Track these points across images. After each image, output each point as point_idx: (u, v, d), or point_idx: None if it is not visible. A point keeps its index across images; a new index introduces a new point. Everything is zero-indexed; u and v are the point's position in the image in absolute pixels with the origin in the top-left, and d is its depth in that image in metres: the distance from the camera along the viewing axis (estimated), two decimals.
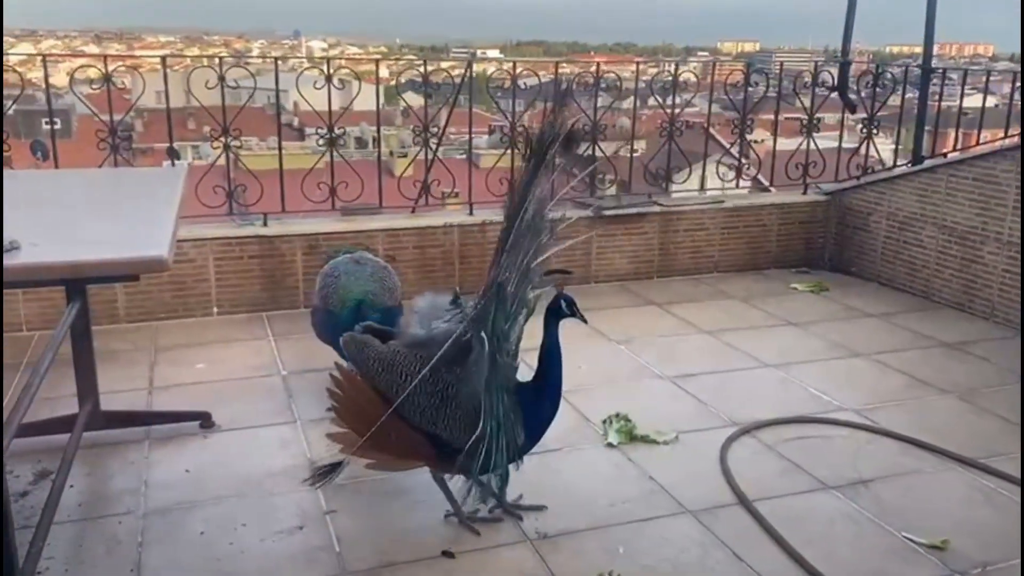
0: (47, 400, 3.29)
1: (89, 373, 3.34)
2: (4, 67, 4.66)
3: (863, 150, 5.93)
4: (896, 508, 2.96)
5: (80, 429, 3.13)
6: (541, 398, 2.71)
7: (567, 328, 2.69)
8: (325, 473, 2.65)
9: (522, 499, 2.90)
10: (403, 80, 5.13)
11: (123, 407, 3.52)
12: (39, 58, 4.82)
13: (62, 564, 2.58)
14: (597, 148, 5.18)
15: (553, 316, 2.68)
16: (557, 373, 2.70)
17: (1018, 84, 5.07)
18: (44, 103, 4.68)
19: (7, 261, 1.96)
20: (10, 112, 4.74)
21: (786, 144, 6.11)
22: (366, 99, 5.42)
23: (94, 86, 4.62)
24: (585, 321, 2.75)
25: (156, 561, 2.62)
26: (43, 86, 4.67)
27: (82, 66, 4.78)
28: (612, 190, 6.45)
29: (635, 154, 5.98)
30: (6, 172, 4.28)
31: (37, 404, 2.82)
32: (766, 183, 6.45)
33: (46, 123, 4.93)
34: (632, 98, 5.64)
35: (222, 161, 4.84)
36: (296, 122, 18.52)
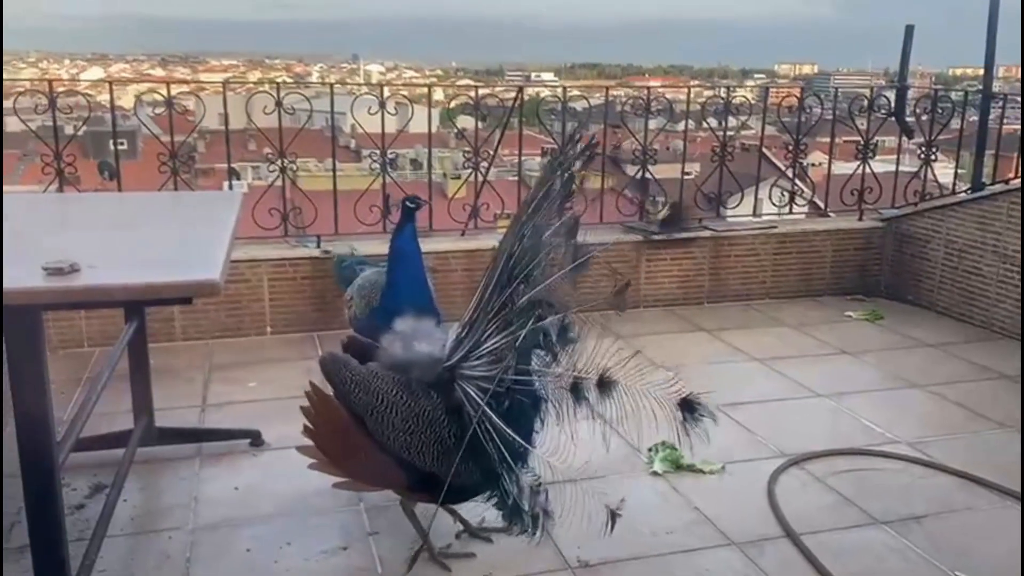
0: (104, 415, 3.38)
1: (145, 390, 3.44)
2: (75, 91, 4.85)
3: (921, 175, 5.82)
4: (949, 545, 2.87)
5: (135, 444, 3.22)
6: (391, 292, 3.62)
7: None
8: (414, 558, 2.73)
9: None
10: (453, 105, 5.21)
11: (177, 424, 3.61)
12: (107, 82, 5.02)
13: None
14: (647, 171, 5.18)
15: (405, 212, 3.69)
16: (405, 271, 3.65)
17: None
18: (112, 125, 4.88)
19: (68, 283, 2.03)
20: (80, 133, 4.95)
21: (844, 168, 6.03)
22: (422, 121, 5.50)
23: (156, 110, 4.79)
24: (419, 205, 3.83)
25: None
26: (112, 109, 4.87)
27: (148, 90, 4.95)
28: (664, 213, 6.41)
29: (688, 176, 5.95)
30: (70, 195, 4.46)
31: (95, 419, 2.92)
32: (822, 205, 6.35)
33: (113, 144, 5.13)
34: (685, 120, 5.63)
35: (279, 183, 4.97)
36: (353, 144, 18.79)
